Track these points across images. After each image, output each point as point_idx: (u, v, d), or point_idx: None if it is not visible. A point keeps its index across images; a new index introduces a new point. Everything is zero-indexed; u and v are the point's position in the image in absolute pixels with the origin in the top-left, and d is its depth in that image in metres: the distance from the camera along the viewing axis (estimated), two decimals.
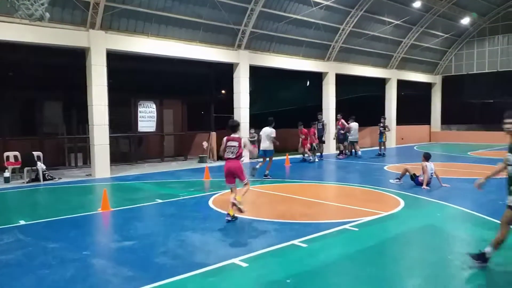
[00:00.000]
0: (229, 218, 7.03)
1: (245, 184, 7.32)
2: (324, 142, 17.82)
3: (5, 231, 6.64)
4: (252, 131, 16.95)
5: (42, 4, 6.75)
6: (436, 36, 24.67)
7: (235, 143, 7.25)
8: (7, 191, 10.66)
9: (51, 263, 5.16)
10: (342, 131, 17.74)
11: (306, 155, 16.54)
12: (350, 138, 17.72)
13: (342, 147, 18.00)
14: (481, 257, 4.76)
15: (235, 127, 7.46)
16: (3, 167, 12.20)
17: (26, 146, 13.35)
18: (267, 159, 12.09)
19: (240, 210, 6.94)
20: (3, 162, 12.32)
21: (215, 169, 14.50)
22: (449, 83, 28.17)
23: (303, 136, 16.29)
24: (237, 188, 7.23)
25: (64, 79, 14.30)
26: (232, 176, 7.25)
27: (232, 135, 7.37)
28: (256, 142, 17.08)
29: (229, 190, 7.48)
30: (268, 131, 11.96)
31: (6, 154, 12.42)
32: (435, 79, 28.26)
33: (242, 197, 7.09)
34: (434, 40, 24.97)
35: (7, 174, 11.72)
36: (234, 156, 7.25)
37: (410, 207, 8.02)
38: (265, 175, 11.81)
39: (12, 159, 12.35)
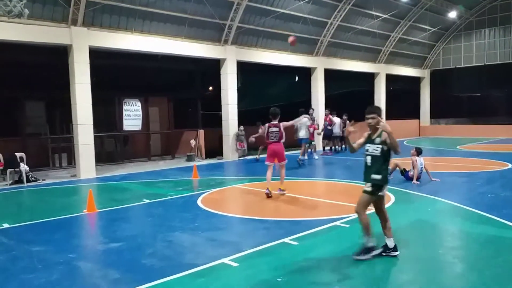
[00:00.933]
0: (283, 192, 8.76)
1: (282, 165, 8.78)
2: (320, 134, 17.57)
3: None
4: (241, 128, 16.81)
5: (21, 1, 6.51)
6: (424, 30, 24.80)
7: (276, 129, 8.70)
8: None
9: (36, 266, 5.02)
10: (329, 127, 17.55)
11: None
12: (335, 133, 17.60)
13: (329, 143, 17.93)
14: (366, 251, 4.92)
15: (276, 114, 8.90)
16: None
17: (8, 147, 13.02)
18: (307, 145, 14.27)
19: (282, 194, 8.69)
20: None
21: (203, 167, 14.36)
22: (437, 77, 28.37)
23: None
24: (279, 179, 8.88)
25: (47, 78, 13.98)
26: (274, 156, 8.68)
27: (273, 122, 8.80)
28: (244, 139, 16.97)
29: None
30: (304, 121, 13.57)
31: None
32: (423, 73, 28.43)
33: (283, 182, 8.83)
34: (422, 34, 25.10)
35: None
36: (276, 140, 8.68)
37: (401, 202, 7.99)
38: (299, 160, 13.67)
39: None
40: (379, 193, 5.06)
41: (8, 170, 11.54)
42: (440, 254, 5.18)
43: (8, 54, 12.94)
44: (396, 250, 5.00)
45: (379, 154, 4.96)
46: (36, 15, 11.45)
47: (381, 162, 4.98)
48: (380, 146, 4.94)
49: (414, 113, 29.08)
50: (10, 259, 5.34)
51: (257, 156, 15.84)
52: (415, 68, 27.65)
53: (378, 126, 4.97)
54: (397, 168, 10.43)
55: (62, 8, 12.04)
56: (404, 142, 23.09)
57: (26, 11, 6.59)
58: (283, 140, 8.75)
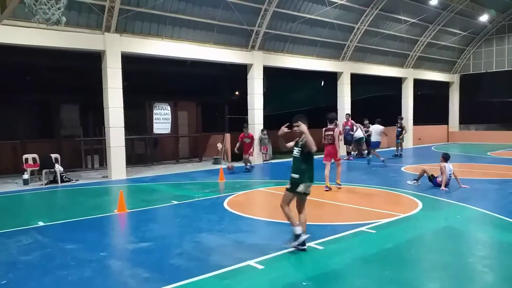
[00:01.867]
0: (339, 186, 10.11)
1: (338, 164, 10.30)
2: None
3: (24, 232, 6.74)
4: (265, 131, 16.90)
5: (59, 8, 6.80)
6: (454, 34, 24.24)
7: (331, 132, 10.00)
8: (26, 192, 10.85)
9: (70, 264, 5.21)
10: (351, 132, 17.10)
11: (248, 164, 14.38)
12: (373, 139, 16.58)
13: (353, 148, 17.74)
14: (295, 238, 5.43)
15: (333, 119, 10.22)
16: (22, 169, 12.43)
17: (44, 149, 13.55)
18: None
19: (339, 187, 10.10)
20: (22, 164, 12.55)
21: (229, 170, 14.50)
22: (467, 82, 27.63)
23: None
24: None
25: (81, 82, 14.49)
26: (330, 156, 10.13)
27: (329, 126, 10.07)
28: (268, 143, 17.05)
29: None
30: (379, 128, 15.83)
31: (25, 156, 12.65)
32: (452, 78, 27.77)
33: (339, 177, 10.17)
34: (452, 38, 24.54)
35: (26, 176, 11.93)
36: (331, 142, 10.03)
37: (429, 208, 7.87)
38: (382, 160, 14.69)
39: (30, 162, 12.57)
40: (297, 190, 5.62)
41: (44, 171, 12.02)
42: (470, 262, 5.10)
43: (46, 60, 13.53)
44: (304, 245, 5.44)
45: (298, 156, 5.71)
46: (72, 22, 11.93)
47: (300, 163, 5.67)
48: (300, 149, 5.69)
49: (443, 119, 28.41)
50: (45, 256, 5.58)
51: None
52: (444, 72, 27.04)
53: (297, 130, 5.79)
54: (425, 174, 10.27)
55: (97, 16, 12.51)
56: (432, 148, 22.62)
57: (64, 18, 6.87)
58: (338, 143, 10.23)
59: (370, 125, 17.61)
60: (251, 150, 14.33)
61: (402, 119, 18.70)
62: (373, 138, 16.31)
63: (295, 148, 5.87)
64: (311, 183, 5.74)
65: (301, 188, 5.62)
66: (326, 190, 9.79)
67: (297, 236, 5.42)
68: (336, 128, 10.17)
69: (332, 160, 10.30)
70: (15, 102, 14.13)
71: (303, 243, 5.44)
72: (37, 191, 10.98)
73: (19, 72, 13.89)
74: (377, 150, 17.14)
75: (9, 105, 14.20)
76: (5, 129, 14.02)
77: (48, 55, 13.06)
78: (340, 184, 10.23)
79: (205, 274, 4.71)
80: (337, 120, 11.08)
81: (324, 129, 10.28)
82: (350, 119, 17.56)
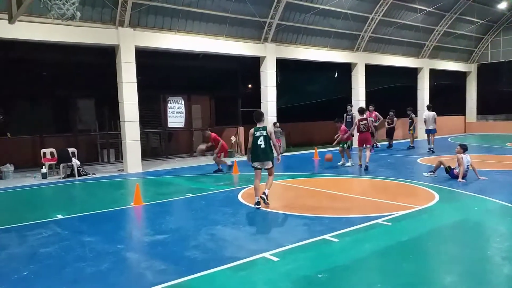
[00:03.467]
0: (367, 165, 11.71)
1: (368, 148, 12.08)
2: (353, 136, 16.99)
3: (44, 225, 6.89)
4: (277, 124, 16.85)
5: (73, 4, 6.88)
6: (471, 22, 23.69)
7: (365, 122, 12.02)
8: (44, 186, 11.08)
9: (88, 256, 5.31)
10: (375, 124, 16.84)
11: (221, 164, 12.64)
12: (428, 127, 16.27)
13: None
14: (256, 204, 7.46)
15: (363, 111, 12.40)
16: (40, 163, 12.68)
17: (61, 143, 13.79)
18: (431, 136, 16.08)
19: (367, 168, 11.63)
20: (40, 158, 12.80)
21: (243, 163, 14.52)
22: (485, 72, 27.04)
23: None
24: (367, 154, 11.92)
25: (96, 77, 14.66)
26: (363, 142, 12.02)
27: (361, 117, 12.12)
28: (281, 135, 17.00)
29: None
30: (431, 114, 16.03)
31: (43, 151, 12.89)
32: (470, 68, 27.20)
33: (368, 160, 11.83)
34: (469, 27, 23.99)
35: (44, 170, 12.16)
36: (365, 130, 11.98)
37: (446, 200, 7.77)
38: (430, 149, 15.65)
39: (48, 156, 12.80)
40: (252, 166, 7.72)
41: (61, 165, 12.24)
42: (488, 255, 5.02)
43: (61, 55, 13.72)
44: (258, 204, 7.47)
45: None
46: (86, 17, 12.03)
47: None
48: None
49: (460, 109, 27.90)
50: (64, 248, 5.68)
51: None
52: (460, 62, 26.50)
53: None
54: (442, 166, 10.13)
55: (110, 10, 12.59)
56: (449, 139, 22.27)
57: (78, 14, 6.95)
58: (371, 131, 12.22)
59: (395, 117, 17.51)
60: (220, 154, 12.24)
61: (411, 110, 18.26)
62: (429, 126, 16.04)
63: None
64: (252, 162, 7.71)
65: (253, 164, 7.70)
66: (360, 167, 11.97)
67: (257, 204, 7.50)
68: (369, 118, 12.16)
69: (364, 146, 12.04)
70: (32, 97, 14.39)
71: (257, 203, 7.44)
72: (55, 185, 11.20)
73: (36, 68, 14.12)
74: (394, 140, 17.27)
75: (27, 101, 14.47)
76: (24, 124, 14.29)
77: (63, 50, 13.24)
78: (368, 164, 11.75)
79: (221, 266, 4.75)
80: (365, 111, 12.61)
81: (357, 119, 12.26)
82: (374, 110, 17.30)
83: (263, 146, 7.47)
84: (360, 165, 12.03)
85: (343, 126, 13.05)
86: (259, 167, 7.64)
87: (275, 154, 7.79)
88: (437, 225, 6.37)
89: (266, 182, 7.73)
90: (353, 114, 16.22)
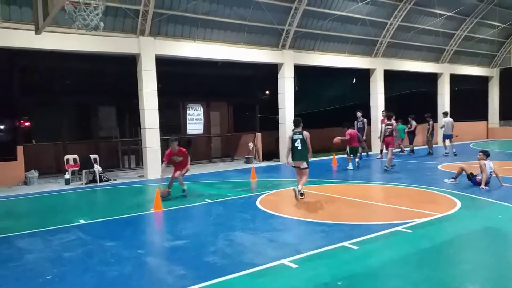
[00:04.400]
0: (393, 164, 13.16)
1: (390, 151, 13.04)
2: (365, 141, 16.67)
3: (67, 230, 7.06)
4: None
5: (97, 14, 7.08)
6: (493, 26, 23.25)
7: (390, 126, 13.14)
8: (67, 192, 11.34)
9: (109, 260, 5.41)
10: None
11: None
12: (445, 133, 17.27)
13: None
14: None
15: (390, 117, 13.42)
16: (63, 169, 12.99)
17: (83, 149, 14.09)
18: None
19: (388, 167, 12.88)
20: (63, 165, 13.12)
21: (261, 169, 14.57)
22: (507, 76, 26.41)
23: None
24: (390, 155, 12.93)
25: (117, 85, 14.95)
26: (388, 144, 13.09)
27: (387, 122, 13.33)
28: None
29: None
30: (449, 120, 17.03)
31: (66, 157, 13.21)
32: (492, 72, 26.65)
33: (389, 160, 12.94)
34: (490, 31, 23.54)
35: (67, 176, 12.45)
36: (390, 134, 13.10)
37: (468, 208, 7.62)
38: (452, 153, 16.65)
39: (71, 162, 13.11)
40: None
41: (84, 171, 12.52)
42: None
43: (84, 64, 14.06)
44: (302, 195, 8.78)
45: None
46: (108, 27, 12.32)
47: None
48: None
49: (482, 115, 27.30)
50: (86, 252, 5.81)
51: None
52: (482, 67, 25.99)
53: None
54: (463, 173, 9.94)
55: (131, 20, 12.88)
56: (471, 145, 21.82)
57: (102, 24, 7.15)
58: (394, 134, 13.19)
59: (414, 122, 17.56)
60: (187, 167, 10.06)
61: (429, 116, 17.89)
62: (446, 132, 17.09)
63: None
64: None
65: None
66: (390, 167, 13.00)
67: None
68: (394, 123, 13.28)
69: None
70: (56, 105, 14.77)
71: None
72: (78, 191, 11.45)
73: (60, 76, 14.49)
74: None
75: (51, 108, 14.85)
76: (48, 131, 14.67)
77: (86, 59, 13.57)
78: (388, 166, 12.87)
79: (240, 272, 4.78)
80: (394, 116, 13.66)
81: (384, 124, 13.58)
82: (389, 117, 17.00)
83: (299, 147, 8.75)
84: (386, 167, 12.93)
85: (349, 130, 13.94)
86: (295, 166, 8.89)
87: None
88: (459, 232, 6.26)
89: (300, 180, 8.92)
90: (364, 120, 16.55)
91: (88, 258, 5.59)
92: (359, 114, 16.43)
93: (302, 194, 8.78)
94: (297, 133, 8.82)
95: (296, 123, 9.03)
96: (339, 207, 8.22)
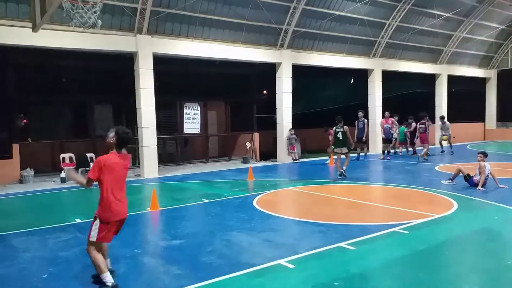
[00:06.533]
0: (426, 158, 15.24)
1: (425, 146, 15.57)
2: (365, 142, 16.69)
3: (63, 229, 7.03)
4: (292, 131, 16.82)
5: (95, 12, 7.06)
6: (491, 28, 23.31)
7: (423, 125, 15.79)
8: (63, 191, 11.27)
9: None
10: (391, 131, 16.65)
11: None
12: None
13: (388, 148, 17.24)
14: None
15: (422, 117, 16.17)
16: (59, 168, 12.93)
17: (80, 148, 14.03)
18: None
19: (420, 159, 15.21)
20: (59, 163, 13.05)
21: (258, 169, 14.56)
22: (505, 78, 26.48)
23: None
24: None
25: (114, 83, 14.89)
26: (423, 139, 15.59)
27: (421, 121, 15.92)
28: (296, 142, 16.95)
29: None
30: (446, 124, 18.18)
31: (62, 155, 13.14)
32: (489, 74, 26.72)
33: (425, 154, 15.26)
34: (489, 33, 23.61)
35: (63, 174, 12.38)
36: (424, 131, 15.74)
37: (465, 209, 7.64)
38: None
39: (67, 161, 13.03)
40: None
41: (80, 169, 12.46)
42: (509, 265, 4.91)
43: (80, 61, 13.98)
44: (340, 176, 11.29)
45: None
46: (105, 25, 12.20)
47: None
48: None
49: (479, 116, 27.38)
50: (82, 252, 5.72)
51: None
52: (480, 68, 26.06)
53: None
54: (460, 174, 9.96)
55: (129, 18, 12.82)
56: (468, 146, 21.88)
57: (99, 22, 7.13)
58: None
59: (414, 122, 17.42)
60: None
61: (425, 116, 17.76)
62: (444, 132, 18.17)
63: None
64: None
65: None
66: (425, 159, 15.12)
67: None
68: (427, 122, 15.88)
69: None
70: (52, 103, 14.70)
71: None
72: (74, 189, 11.37)
73: (56, 74, 14.41)
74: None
75: (47, 106, 14.79)
76: (44, 129, 14.60)
77: (82, 57, 13.49)
78: (422, 157, 15.14)
79: (237, 272, 4.76)
80: (427, 116, 16.06)
81: (418, 123, 16.04)
82: (390, 117, 16.93)
83: (341, 138, 11.55)
84: (420, 157, 15.15)
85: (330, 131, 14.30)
86: (338, 152, 11.65)
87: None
88: (456, 234, 6.26)
89: (344, 162, 11.62)
90: (365, 121, 16.45)
91: (84, 257, 5.51)
92: (360, 114, 16.36)
93: (344, 175, 11.36)
94: (339, 127, 11.53)
95: (338, 120, 11.65)
96: (336, 207, 8.21)
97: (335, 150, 11.77)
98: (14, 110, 13.36)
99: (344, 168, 11.51)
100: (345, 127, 11.55)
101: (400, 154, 17.86)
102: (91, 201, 10.23)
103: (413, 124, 17.53)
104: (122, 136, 4.67)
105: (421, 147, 15.93)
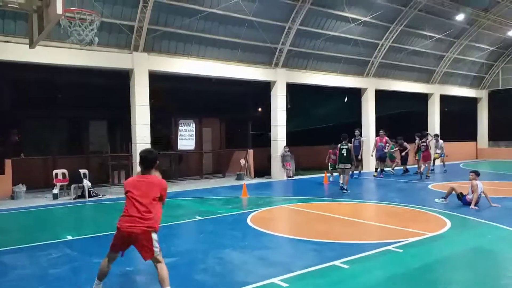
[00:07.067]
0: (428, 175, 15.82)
1: (428, 163, 16.02)
2: (360, 160, 16.81)
3: (53, 245, 6.92)
4: (287, 148, 16.88)
5: (92, 30, 7.16)
6: (481, 49, 23.82)
7: (425, 144, 16.00)
8: (55, 207, 11.16)
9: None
10: (384, 150, 16.80)
11: None
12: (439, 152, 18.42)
13: (382, 166, 17.30)
14: None
15: (424, 135, 16.50)
16: (52, 184, 12.81)
17: (73, 164, 13.93)
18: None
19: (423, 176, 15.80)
20: (52, 179, 12.94)
21: (253, 186, 14.53)
22: (496, 98, 26.95)
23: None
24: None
25: (109, 99, 14.87)
26: (425, 158, 15.90)
27: (423, 139, 16.18)
28: (290, 159, 16.99)
29: None
30: (440, 142, 18.54)
31: (55, 171, 13.03)
32: (481, 94, 27.16)
33: (429, 171, 15.97)
34: (479, 54, 24.11)
35: (55, 190, 12.27)
36: (426, 149, 15.84)
37: (458, 227, 7.66)
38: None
39: (60, 176, 12.92)
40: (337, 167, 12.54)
41: (72, 186, 12.35)
42: (503, 284, 4.92)
43: (75, 77, 14.02)
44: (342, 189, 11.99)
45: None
46: (102, 42, 12.35)
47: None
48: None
49: (471, 135, 27.70)
50: (73, 269, 5.70)
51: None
52: (471, 88, 26.49)
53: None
54: (453, 192, 10.01)
55: (126, 35, 12.96)
56: (460, 165, 22.03)
57: (96, 39, 7.22)
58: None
59: (405, 142, 17.51)
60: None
61: (418, 136, 17.88)
62: (441, 151, 18.64)
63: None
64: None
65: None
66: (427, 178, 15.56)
67: None
68: (428, 140, 16.40)
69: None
70: (46, 118, 14.65)
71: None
72: (66, 206, 11.27)
73: (51, 90, 14.42)
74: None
75: (41, 122, 14.73)
76: (38, 145, 14.51)
77: (78, 73, 13.53)
78: (424, 174, 15.81)
79: None
80: (428, 135, 17.00)
81: (420, 141, 16.23)
82: (385, 136, 17.05)
83: (345, 154, 12.26)
84: (420, 173, 15.85)
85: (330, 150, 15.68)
86: (342, 167, 12.38)
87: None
88: (450, 252, 6.26)
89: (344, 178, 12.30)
90: (361, 139, 16.53)
91: (74, 274, 5.47)
92: (357, 132, 16.48)
93: (346, 190, 12.12)
94: (343, 144, 12.33)
95: (344, 137, 12.45)
96: (331, 225, 8.19)
97: (339, 165, 12.51)
98: (8, 125, 13.31)
99: (345, 186, 12.24)
100: (350, 144, 12.44)
101: (393, 172, 17.81)
102: (83, 218, 10.19)
103: (405, 144, 17.55)
104: (139, 155, 4.93)
105: (422, 164, 16.21)
